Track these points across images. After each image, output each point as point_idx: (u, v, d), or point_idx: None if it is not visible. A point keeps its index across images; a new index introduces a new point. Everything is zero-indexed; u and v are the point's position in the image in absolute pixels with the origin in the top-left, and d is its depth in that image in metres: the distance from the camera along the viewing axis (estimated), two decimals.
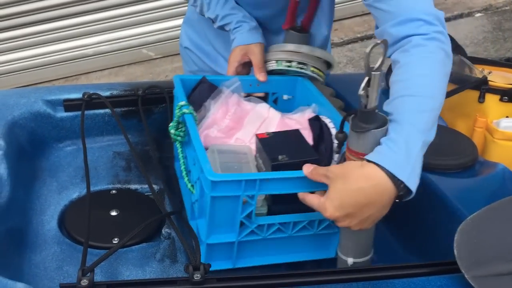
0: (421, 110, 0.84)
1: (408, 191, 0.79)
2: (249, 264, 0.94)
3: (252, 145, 1.05)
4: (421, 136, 0.81)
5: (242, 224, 0.89)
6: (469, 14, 4.20)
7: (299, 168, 0.86)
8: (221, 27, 1.26)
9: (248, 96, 1.19)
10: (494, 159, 1.19)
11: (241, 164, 0.98)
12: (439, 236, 0.98)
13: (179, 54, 1.57)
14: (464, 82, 1.40)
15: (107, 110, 1.26)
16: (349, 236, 0.90)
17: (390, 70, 1.59)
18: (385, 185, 0.78)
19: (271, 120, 1.12)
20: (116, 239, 1.01)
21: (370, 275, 0.85)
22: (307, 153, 0.96)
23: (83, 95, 1.24)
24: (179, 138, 1.03)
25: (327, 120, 1.07)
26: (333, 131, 1.03)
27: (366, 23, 3.92)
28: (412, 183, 0.78)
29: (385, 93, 1.54)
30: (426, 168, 1.00)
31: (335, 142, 1.00)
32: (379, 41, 0.76)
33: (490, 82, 1.39)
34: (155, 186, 1.12)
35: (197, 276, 0.80)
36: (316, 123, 1.07)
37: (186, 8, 1.49)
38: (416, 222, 1.07)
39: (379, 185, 0.78)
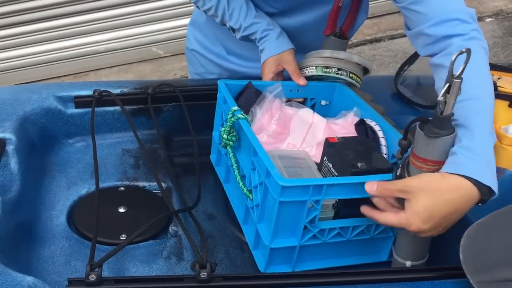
0: (483, 112, 0.86)
1: (491, 192, 0.81)
2: (307, 268, 0.94)
3: (306, 149, 1.05)
4: (491, 137, 0.84)
5: (304, 228, 0.89)
6: (480, 19, 4.17)
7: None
8: (245, 37, 1.26)
9: (288, 101, 1.19)
10: (503, 165, 1.19)
11: (302, 169, 0.99)
12: (445, 240, 0.98)
13: None
14: None
15: (117, 108, 1.27)
16: (410, 240, 0.91)
17: (399, 73, 1.60)
18: (472, 193, 0.80)
19: (316, 125, 1.12)
20: (123, 235, 1.02)
21: (375, 278, 0.85)
22: (381, 161, 0.96)
23: (94, 92, 1.25)
24: (231, 143, 1.02)
25: (372, 123, 1.07)
26: (380, 134, 1.04)
27: (375, 26, 3.90)
28: (495, 185, 0.81)
29: (393, 97, 1.55)
30: None
31: (383, 144, 1.03)
32: (464, 50, 0.77)
33: (499, 88, 1.38)
34: (163, 184, 1.13)
35: (203, 274, 0.81)
36: (361, 127, 1.08)
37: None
38: None
39: (467, 194, 0.80)
